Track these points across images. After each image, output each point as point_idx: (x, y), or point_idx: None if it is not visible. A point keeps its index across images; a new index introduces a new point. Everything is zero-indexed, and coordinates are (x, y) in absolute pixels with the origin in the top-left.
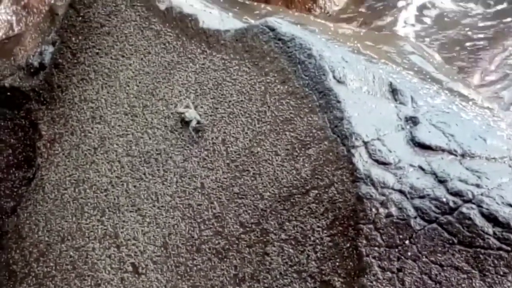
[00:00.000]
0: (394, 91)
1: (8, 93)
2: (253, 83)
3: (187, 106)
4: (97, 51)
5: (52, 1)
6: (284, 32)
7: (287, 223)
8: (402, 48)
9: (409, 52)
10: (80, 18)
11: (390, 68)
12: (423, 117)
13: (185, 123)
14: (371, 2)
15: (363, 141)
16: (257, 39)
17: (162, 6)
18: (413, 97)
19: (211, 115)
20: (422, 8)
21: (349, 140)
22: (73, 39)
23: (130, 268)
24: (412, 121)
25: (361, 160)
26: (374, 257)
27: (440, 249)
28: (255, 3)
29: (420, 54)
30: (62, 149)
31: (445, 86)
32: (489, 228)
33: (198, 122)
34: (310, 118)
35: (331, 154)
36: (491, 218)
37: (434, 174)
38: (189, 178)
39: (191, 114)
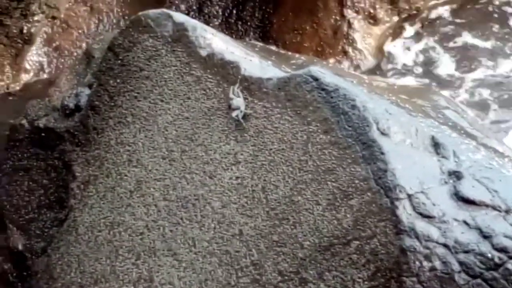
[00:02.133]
0: (436, 145)
1: (42, 134)
2: (295, 132)
3: (237, 95)
4: (135, 94)
5: (84, 45)
6: (328, 82)
7: (326, 273)
8: (437, 102)
9: (443, 107)
10: (119, 61)
11: (430, 122)
12: (467, 172)
13: (231, 109)
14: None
15: (407, 194)
16: (300, 88)
17: (203, 53)
18: (455, 151)
19: (251, 163)
20: None
21: (393, 192)
22: (111, 82)
23: None
24: (456, 175)
25: (405, 212)
26: None
27: None
28: (289, 53)
29: (454, 109)
30: (96, 191)
31: (480, 141)
32: None
33: (243, 113)
34: (353, 169)
35: (374, 205)
36: None
37: (478, 229)
38: (227, 224)
39: (238, 102)
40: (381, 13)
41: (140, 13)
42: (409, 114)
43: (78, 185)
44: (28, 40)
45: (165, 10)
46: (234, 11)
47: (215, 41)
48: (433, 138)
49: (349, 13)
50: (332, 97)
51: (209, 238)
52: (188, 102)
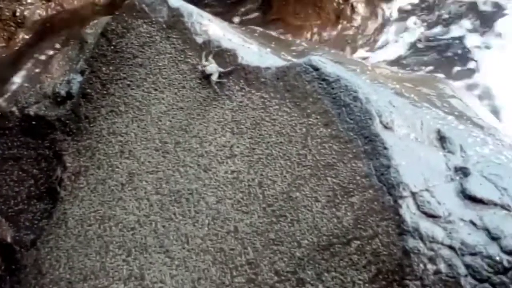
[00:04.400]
0: (442, 139)
1: (33, 122)
2: (293, 125)
3: (207, 61)
4: (128, 82)
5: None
6: (328, 72)
7: (325, 274)
8: (442, 91)
9: (449, 95)
10: (112, 47)
11: (435, 114)
12: (474, 168)
13: (206, 77)
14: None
15: (411, 192)
16: (299, 78)
17: (199, 40)
18: (462, 145)
19: (247, 156)
20: None
21: (396, 189)
22: (104, 69)
23: None
24: (462, 172)
25: (408, 211)
26: None
27: None
28: (290, 39)
29: (460, 98)
30: (87, 183)
31: (487, 132)
32: None
33: (220, 75)
34: (354, 164)
35: (376, 203)
36: None
37: (486, 230)
38: (222, 220)
39: (212, 68)
40: None
41: None
42: (414, 105)
43: (68, 176)
44: (21, 23)
45: None
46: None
47: (212, 28)
48: (439, 131)
49: None
50: (333, 88)
51: (202, 234)
52: (183, 92)
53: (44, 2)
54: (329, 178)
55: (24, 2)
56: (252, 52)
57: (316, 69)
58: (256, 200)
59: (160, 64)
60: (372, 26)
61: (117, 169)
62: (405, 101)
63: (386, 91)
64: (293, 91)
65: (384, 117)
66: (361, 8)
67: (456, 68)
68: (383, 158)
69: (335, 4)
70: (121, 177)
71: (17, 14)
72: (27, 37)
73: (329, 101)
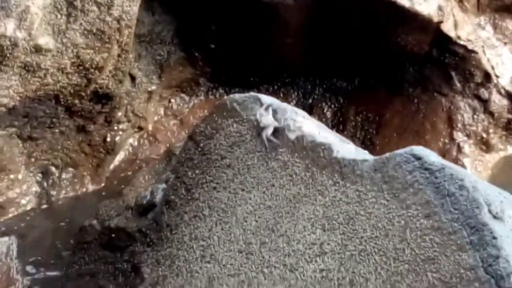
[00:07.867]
0: None
1: (112, 235)
2: (391, 217)
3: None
4: (214, 185)
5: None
6: (432, 161)
7: None
8: None
9: None
10: (199, 150)
11: None
12: None
13: (260, 130)
14: None
15: None
16: (399, 168)
17: (292, 136)
18: None
19: (339, 253)
20: None
21: (506, 281)
22: (189, 173)
23: None
24: None
25: None
26: None
27: None
28: None
29: None
30: None
31: None
32: None
33: (275, 129)
34: (458, 257)
35: None
36: None
37: None
38: None
39: (267, 120)
40: (494, 139)
41: (226, 97)
42: None
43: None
44: (111, 150)
45: (253, 93)
46: (334, 131)
47: (306, 124)
48: None
49: (460, 136)
50: (436, 177)
51: None
52: (272, 190)
53: (136, 130)
54: (429, 273)
55: (116, 128)
56: (349, 148)
57: (419, 158)
58: None
59: (249, 163)
60: (478, 169)
61: (196, 275)
62: None
63: (495, 186)
64: (392, 182)
65: (493, 207)
66: (468, 149)
67: None
68: (492, 248)
69: (440, 144)
70: (200, 282)
71: (108, 140)
72: (116, 164)
73: (432, 191)
